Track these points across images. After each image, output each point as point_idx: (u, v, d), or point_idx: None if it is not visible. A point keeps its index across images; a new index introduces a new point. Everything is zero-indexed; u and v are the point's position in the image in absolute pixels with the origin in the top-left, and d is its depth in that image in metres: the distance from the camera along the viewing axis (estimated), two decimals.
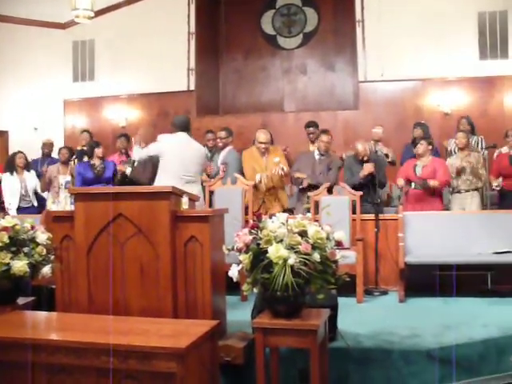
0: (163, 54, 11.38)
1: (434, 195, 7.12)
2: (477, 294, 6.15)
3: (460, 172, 7.30)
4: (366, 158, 7.25)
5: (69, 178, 8.36)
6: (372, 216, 6.73)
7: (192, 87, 11.65)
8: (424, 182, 7.02)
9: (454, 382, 4.34)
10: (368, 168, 7.09)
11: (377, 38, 10.61)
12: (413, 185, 7.11)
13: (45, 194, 8.70)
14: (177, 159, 6.04)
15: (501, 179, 7.36)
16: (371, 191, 7.04)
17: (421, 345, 4.48)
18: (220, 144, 8.20)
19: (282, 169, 7.10)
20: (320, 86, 12.22)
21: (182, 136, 6.22)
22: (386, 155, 8.58)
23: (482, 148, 8.25)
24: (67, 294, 4.42)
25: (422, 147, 7.26)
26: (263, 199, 7.25)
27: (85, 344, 3.35)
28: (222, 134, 8.24)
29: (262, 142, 7.32)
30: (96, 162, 8.12)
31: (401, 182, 7.29)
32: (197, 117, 11.42)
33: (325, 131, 7.73)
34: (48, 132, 11.18)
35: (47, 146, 9.71)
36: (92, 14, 8.99)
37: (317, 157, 7.50)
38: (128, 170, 7.51)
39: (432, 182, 7.02)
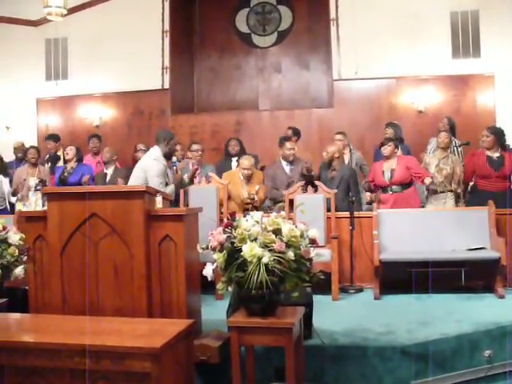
0: (137, 53, 11.28)
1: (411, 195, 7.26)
2: (451, 290, 6.21)
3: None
4: (334, 162, 7.40)
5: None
6: (347, 214, 6.75)
7: (166, 86, 11.58)
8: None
9: (429, 378, 4.38)
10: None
11: (351, 37, 10.63)
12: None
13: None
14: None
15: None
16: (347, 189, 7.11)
17: (396, 341, 4.50)
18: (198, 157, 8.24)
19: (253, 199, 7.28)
20: (294, 84, 12.21)
21: (153, 148, 6.42)
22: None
23: (455, 147, 8.28)
24: (40, 295, 4.38)
25: (389, 149, 7.30)
26: None
27: (58, 345, 3.32)
28: (198, 147, 8.34)
29: (245, 168, 7.41)
30: (68, 165, 8.07)
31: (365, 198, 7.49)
32: (171, 115, 11.38)
33: (287, 138, 7.76)
34: (21, 131, 11.07)
35: (18, 150, 9.59)
36: (65, 12, 8.88)
37: (286, 167, 7.57)
38: None
39: (427, 181, 7.17)
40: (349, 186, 7.27)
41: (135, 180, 6.23)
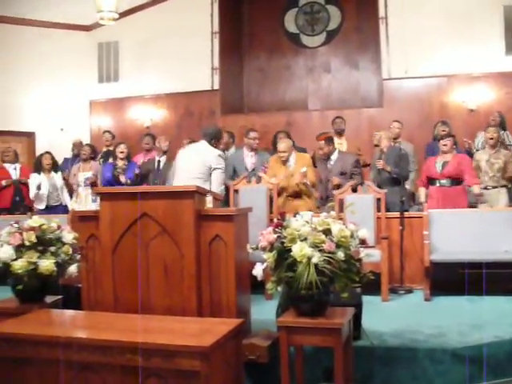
0: (187, 54, 11.42)
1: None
2: (503, 292, 6.09)
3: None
4: (382, 143, 7.39)
5: (88, 174, 8.47)
6: (397, 214, 6.70)
7: (216, 86, 11.66)
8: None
9: (482, 382, 4.30)
10: (381, 164, 7.21)
11: (400, 35, 10.54)
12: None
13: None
14: (182, 163, 6.21)
15: None
16: (397, 188, 7.05)
17: (447, 344, 4.44)
18: (255, 145, 8.26)
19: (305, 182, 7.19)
20: (344, 83, 12.15)
21: (199, 143, 6.25)
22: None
23: (509, 143, 8.16)
24: (93, 292, 4.47)
25: (449, 143, 7.21)
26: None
27: (110, 342, 3.39)
28: (255, 134, 8.32)
29: (281, 151, 7.32)
30: (119, 162, 8.20)
31: (422, 195, 7.39)
32: (221, 116, 11.45)
33: (318, 136, 7.76)
34: (74, 133, 11.29)
35: (77, 146, 9.81)
36: (116, 16, 9.06)
37: (328, 164, 7.52)
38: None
39: (476, 190, 7.15)
40: (397, 164, 7.25)
41: (204, 176, 5.98)
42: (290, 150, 7.36)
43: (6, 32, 11.41)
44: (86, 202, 8.24)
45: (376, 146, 7.69)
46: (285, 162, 7.30)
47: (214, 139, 6.23)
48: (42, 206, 8.45)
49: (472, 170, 7.22)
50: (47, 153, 8.80)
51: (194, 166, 6.02)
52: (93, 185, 8.21)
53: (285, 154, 7.27)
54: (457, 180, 7.14)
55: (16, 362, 3.61)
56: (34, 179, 8.56)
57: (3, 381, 3.64)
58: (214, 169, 6.00)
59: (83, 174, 8.50)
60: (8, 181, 8.80)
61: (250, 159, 8.11)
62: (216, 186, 5.99)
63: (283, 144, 7.39)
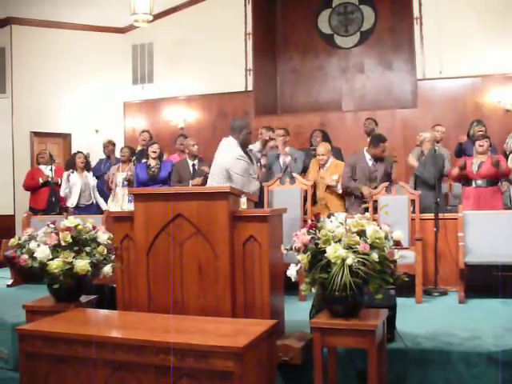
0: (221, 55, 11.46)
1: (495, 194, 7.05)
2: None
3: None
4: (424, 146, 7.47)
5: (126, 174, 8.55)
6: (431, 215, 6.64)
7: (250, 87, 11.67)
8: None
9: None
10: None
11: (435, 35, 10.42)
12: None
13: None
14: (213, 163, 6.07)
15: None
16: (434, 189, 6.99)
17: (481, 347, 4.39)
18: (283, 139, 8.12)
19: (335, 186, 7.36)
20: (378, 84, 12.07)
21: (227, 140, 6.05)
22: None
23: None
24: (127, 293, 4.52)
25: (486, 145, 7.16)
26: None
27: (144, 342, 3.42)
28: (282, 131, 8.25)
29: (319, 154, 7.52)
30: (152, 162, 8.25)
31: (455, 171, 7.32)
32: (255, 117, 11.45)
33: (383, 139, 7.62)
34: (109, 134, 11.38)
35: (106, 147, 9.89)
36: (151, 18, 9.12)
37: (370, 162, 7.37)
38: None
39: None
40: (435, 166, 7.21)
41: (219, 179, 5.79)
42: (328, 154, 7.57)
43: (42, 35, 11.57)
44: (122, 201, 8.33)
45: (418, 146, 7.63)
46: (323, 164, 7.51)
47: (240, 130, 5.96)
48: (73, 201, 8.59)
49: (508, 166, 7.18)
50: (80, 152, 8.97)
51: (214, 167, 5.99)
52: (129, 184, 8.29)
53: (323, 157, 7.42)
54: (492, 181, 7.08)
55: (53, 360, 3.67)
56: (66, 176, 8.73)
57: (41, 378, 3.70)
58: (232, 173, 5.77)
59: (122, 174, 8.57)
60: (45, 178, 8.98)
61: (282, 158, 8.04)
62: None
63: (322, 148, 7.59)
